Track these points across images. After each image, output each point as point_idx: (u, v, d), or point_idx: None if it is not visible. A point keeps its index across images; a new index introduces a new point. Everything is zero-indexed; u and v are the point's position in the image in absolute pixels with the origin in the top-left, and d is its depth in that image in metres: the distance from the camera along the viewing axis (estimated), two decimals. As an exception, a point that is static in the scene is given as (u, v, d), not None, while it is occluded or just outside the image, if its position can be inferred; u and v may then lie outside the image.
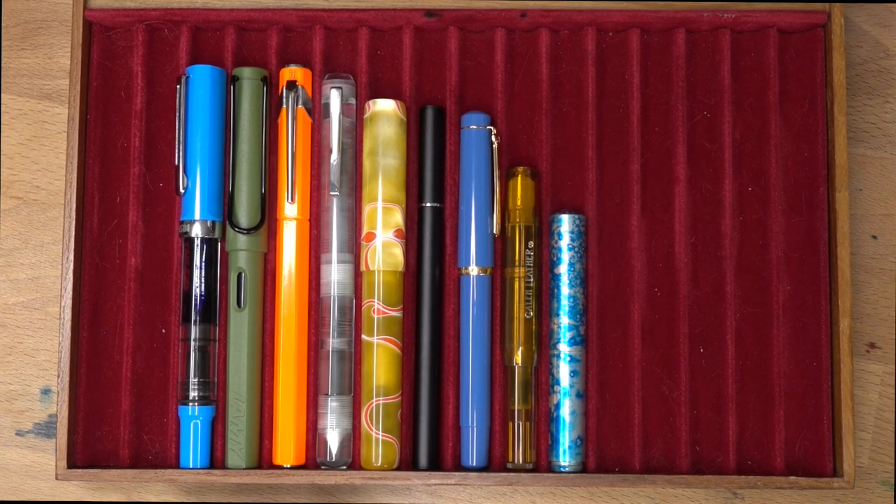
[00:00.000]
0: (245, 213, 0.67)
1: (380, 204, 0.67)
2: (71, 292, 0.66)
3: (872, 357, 0.70)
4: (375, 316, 0.66)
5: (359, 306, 0.67)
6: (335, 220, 0.67)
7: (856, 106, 0.72)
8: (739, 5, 0.68)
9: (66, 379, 0.65)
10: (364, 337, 0.67)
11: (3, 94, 0.72)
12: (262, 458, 0.67)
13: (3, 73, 0.72)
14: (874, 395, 0.70)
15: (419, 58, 0.69)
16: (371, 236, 0.67)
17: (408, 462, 0.67)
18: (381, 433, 0.66)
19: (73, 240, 0.66)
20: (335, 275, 0.67)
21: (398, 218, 0.67)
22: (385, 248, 0.67)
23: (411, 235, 0.68)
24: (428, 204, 0.68)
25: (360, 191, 0.68)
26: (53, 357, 0.69)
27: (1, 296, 0.71)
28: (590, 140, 0.68)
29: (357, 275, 0.68)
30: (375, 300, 0.67)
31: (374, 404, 0.66)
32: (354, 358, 0.67)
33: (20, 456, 0.70)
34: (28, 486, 0.70)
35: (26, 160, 0.71)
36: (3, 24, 0.72)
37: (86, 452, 0.67)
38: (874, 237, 0.71)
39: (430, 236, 0.68)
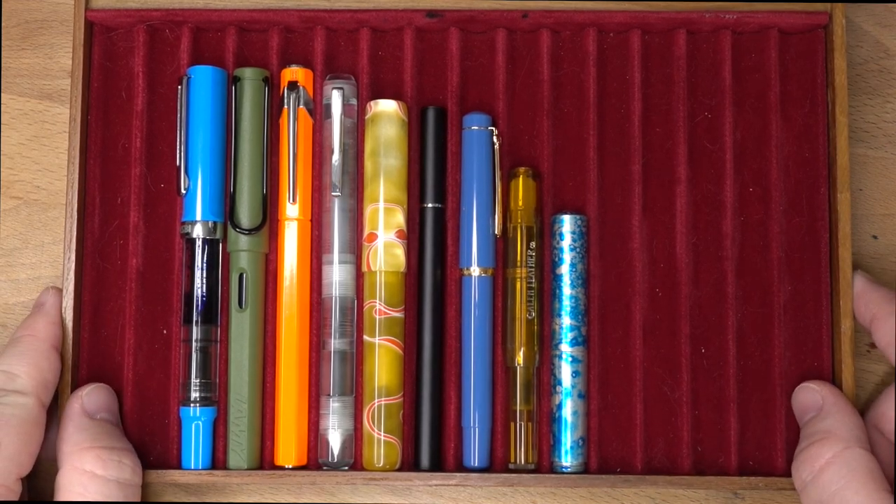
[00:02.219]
0: (246, 213, 0.67)
1: (381, 204, 0.67)
2: (72, 293, 0.66)
3: (873, 357, 0.70)
4: (377, 317, 0.66)
5: (360, 307, 0.67)
6: (336, 221, 0.67)
7: (856, 106, 0.72)
8: (741, 6, 0.68)
9: (68, 379, 0.65)
10: (366, 337, 0.67)
11: (3, 94, 0.72)
12: (264, 459, 0.67)
13: (3, 73, 0.72)
14: (874, 395, 0.69)
15: (420, 58, 0.69)
16: (372, 237, 0.67)
17: (409, 463, 0.67)
18: (382, 434, 0.66)
19: (74, 241, 0.66)
20: (337, 275, 0.67)
21: (400, 218, 0.67)
22: (387, 249, 0.67)
23: (413, 236, 0.68)
24: (429, 205, 0.68)
25: (362, 191, 0.68)
26: (54, 357, 0.69)
27: (1, 296, 0.71)
28: (591, 141, 0.68)
29: (358, 275, 0.68)
30: (377, 301, 0.67)
31: (375, 405, 0.66)
32: (356, 359, 0.67)
33: None
34: (28, 486, 0.69)
35: (27, 160, 0.71)
36: (3, 24, 0.72)
37: (87, 453, 0.67)
38: (874, 237, 0.71)
39: (432, 237, 0.68)
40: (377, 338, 0.66)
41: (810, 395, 0.65)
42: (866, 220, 0.71)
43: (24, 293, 0.70)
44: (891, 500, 0.59)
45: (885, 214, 0.71)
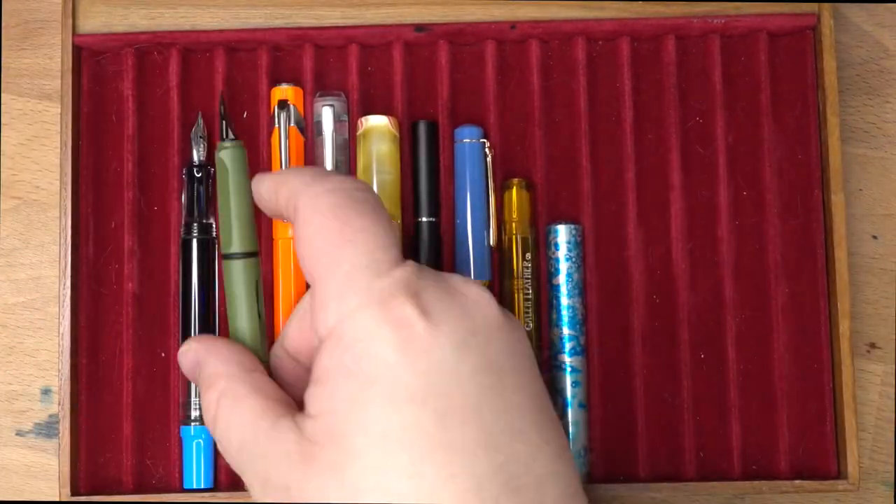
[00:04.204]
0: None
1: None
2: (69, 320, 0.66)
3: (873, 357, 0.70)
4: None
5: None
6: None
7: (856, 106, 0.72)
8: (727, 7, 0.68)
9: (67, 407, 0.65)
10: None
11: (3, 94, 0.72)
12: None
13: (3, 73, 0.72)
14: (874, 396, 0.70)
15: (410, 73, 0.69)
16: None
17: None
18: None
19: (68, 267, 0.66)
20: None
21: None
22: (382, 265, 0.66)
23: (408, 251, 0.68)
24: (424, 219, 0.68)
25: (356, 208, 0.68)
26: (53, 357, 0.69)
27: (1, 296, 0.71)
28: (583, 149, 0.68)
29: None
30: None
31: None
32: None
33: (21, 456, 0.70)
34: (28, 487, 0.70)
35: (27, 160, 0.71)
36: (3, 24, 0.72)
37: (89, 480, 0.67)
38: (874, 237, 0.71)
39: (427, 251, 0.68)
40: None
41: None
42: (866, 220, 0.71)
43: (24, 293, 0.70)
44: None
45: (884, 214, 0.71)
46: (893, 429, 0.67)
